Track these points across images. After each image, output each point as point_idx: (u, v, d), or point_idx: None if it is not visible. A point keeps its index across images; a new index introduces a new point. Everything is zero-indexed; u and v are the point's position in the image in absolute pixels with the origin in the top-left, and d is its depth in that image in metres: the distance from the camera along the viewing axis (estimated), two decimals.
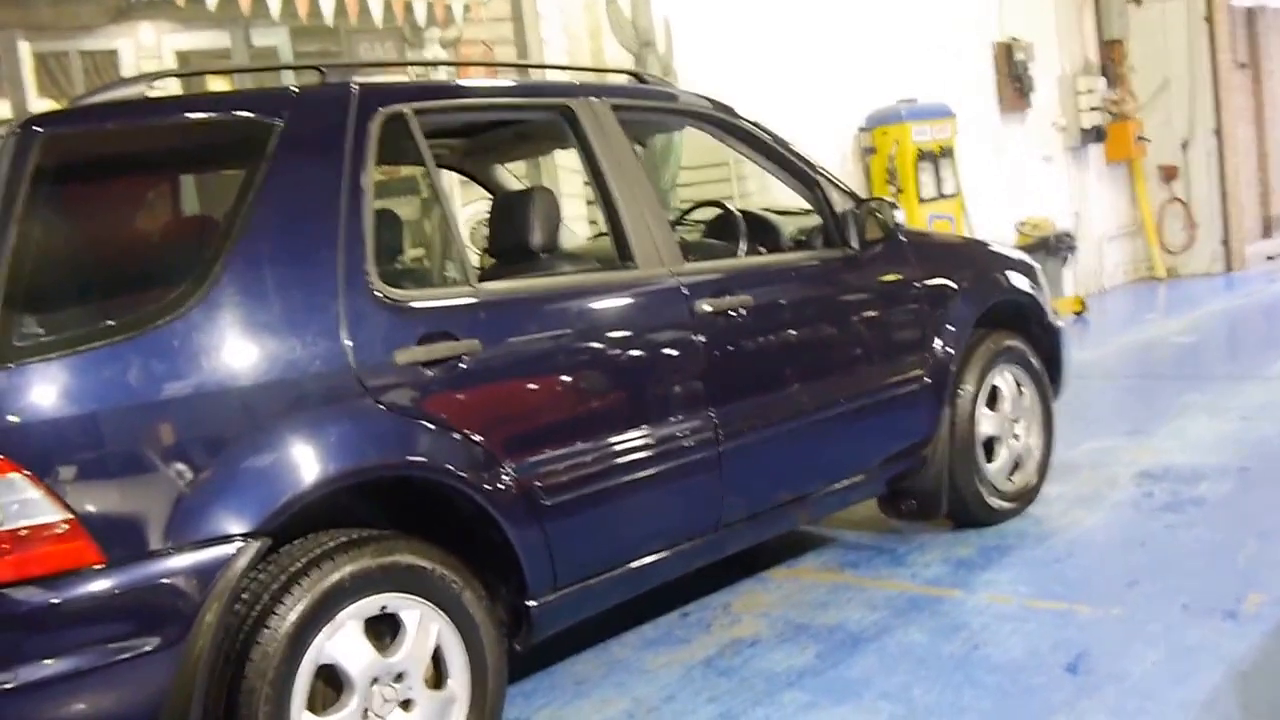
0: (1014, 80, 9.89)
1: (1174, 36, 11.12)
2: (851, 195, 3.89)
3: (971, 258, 4.40)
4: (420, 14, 6.13)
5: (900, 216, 3.84)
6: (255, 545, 2.30)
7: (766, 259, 3.71)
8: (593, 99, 3.30)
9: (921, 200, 8.39)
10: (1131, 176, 11.49)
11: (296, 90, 2.79)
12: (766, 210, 4.34)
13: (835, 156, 8.37)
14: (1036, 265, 4.64)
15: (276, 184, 2.57)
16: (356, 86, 2.82)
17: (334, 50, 5.94)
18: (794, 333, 3.56)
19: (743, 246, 3.72)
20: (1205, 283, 10.90)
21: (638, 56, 7.01)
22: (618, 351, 3.06)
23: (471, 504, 2.68)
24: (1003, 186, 9.66)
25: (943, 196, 8.55)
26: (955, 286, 4.13)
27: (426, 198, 6.57)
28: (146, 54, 5.31)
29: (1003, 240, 9.38)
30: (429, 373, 2.64)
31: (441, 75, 5.68)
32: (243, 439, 2.35)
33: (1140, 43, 11.28)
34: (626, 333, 3.10)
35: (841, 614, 3.56)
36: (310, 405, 2.45)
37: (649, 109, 3.63)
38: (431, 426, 2.63)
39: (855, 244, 3.83)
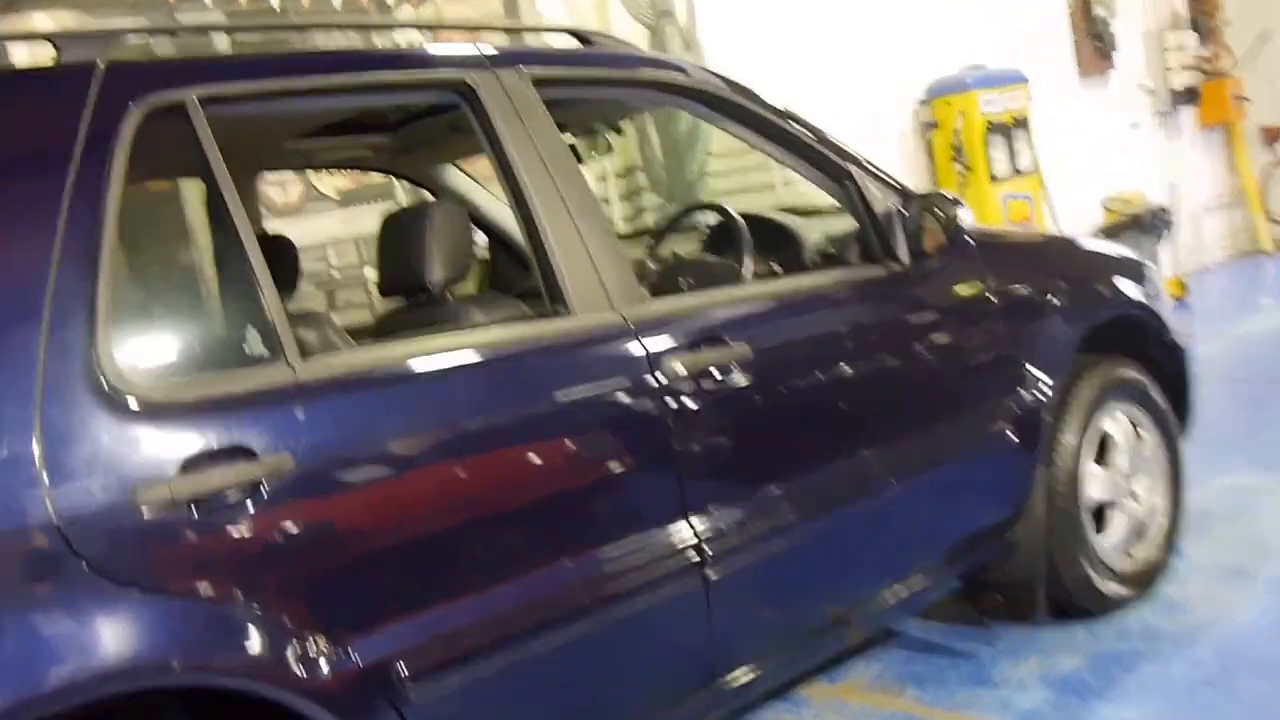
0: (1094, 39, 8.68)
1: None
2: (899, 189, 2.84)
3: (1066, 261, 3.34)
4: None
5: (969, 216, 2.77)
6: None
7: (776, 286, 2.68)
8: (503, 71, 2.29)
9: (993, 179, 7.25)
10: (1230, 141, 10.19)
11: None
12: (788, 211, 3.32)
13: (892, 134, 7.28)
14: (1149, 265, 3.56)
15: None
16: (102, 66, 1.84)
17: (282, 41, 4.99)
18: (816, 392, 2.54)
19: (745, 268, 2.70)
20: None
21: (654, 30, 6.01)
22: (532, 450, 2.05)
23: (285, 708, 1.72)
24: (1085, 159, 8.47)
25: (1017, 174, 7.41)
26: (1047, 303, 3.09)
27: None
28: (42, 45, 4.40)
29: (1090, 221, 8.31)
30: (196, 515, 1.67)
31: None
32: None
33: None
34: (548, 420, 2.09)
35: None
36: None
37: (595, 82, 2.59)
38: (198, 602, 1.66)
39: (904, 256, 2.78)
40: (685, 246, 3.27)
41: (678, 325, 2.29)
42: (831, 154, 2.77)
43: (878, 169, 2.83)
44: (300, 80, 2.11)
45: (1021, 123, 7.42)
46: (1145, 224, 8.33)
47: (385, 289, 2.46)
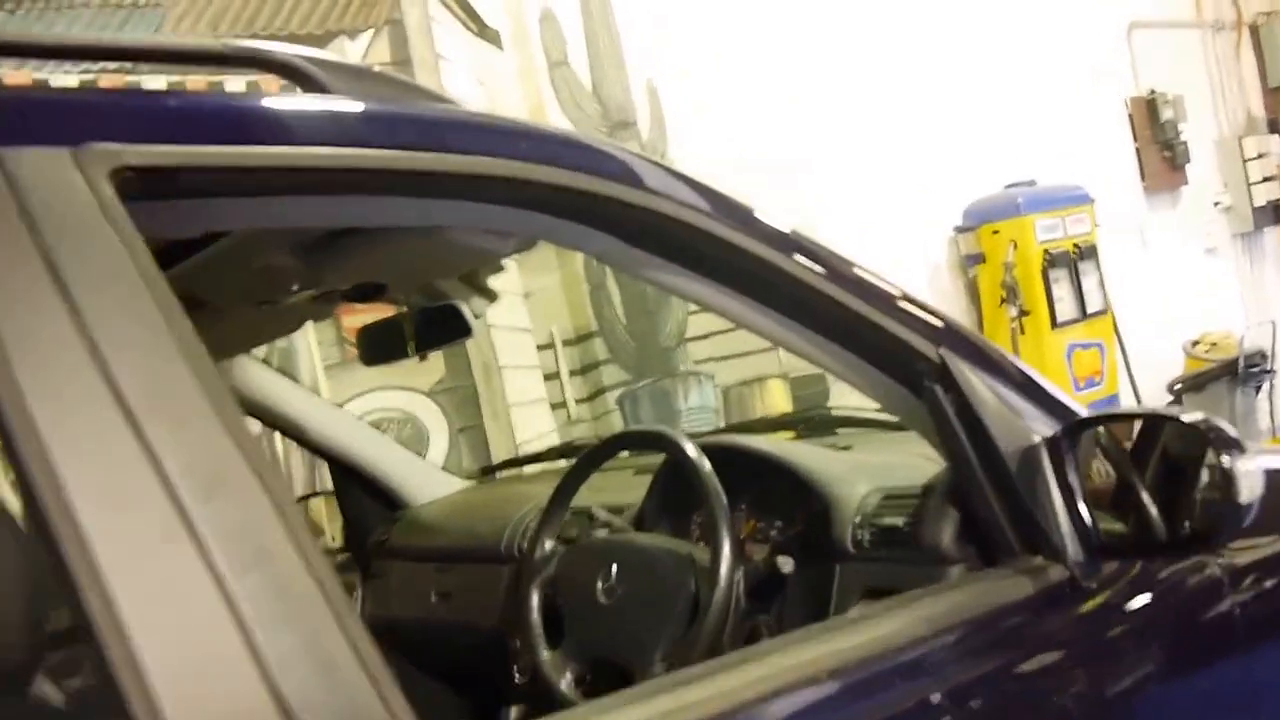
0: (1162, 147, 7.24)
1: None
2: (1049, 400, 1.23)
3: None
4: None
5: (1256, 476, 1.13)
6: None
7: (787, 660, 0.95)
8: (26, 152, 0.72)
9: (1056, 324, 5.74)
10: None
11: None
12: (813, 426, 1.74)
13: (923, 270, 5.81)
14: None
15: None
16: None
17: None
18: None
19: (718, 587, 1.13)
20: None
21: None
22: None
23: None
24: (1156, 295, 6.98)
25: (1085, 316, 5.89)
26: None
27: None
28: None
29: (1171, 371, 6.80)
30: None
31: None
32: None
33: None
34: None
35: None
36: None
37: (319, 181, 0.91)
38: None
39: (1071, 549, 1.14)
40: (623, 491, 1.68)
41: None
42: (899, 328, 1.15)
43: (1002, 355, 1.21)
44: None
45: (1088, 253, 5.94)
46: (1242, 373, 6.81)
47: None
